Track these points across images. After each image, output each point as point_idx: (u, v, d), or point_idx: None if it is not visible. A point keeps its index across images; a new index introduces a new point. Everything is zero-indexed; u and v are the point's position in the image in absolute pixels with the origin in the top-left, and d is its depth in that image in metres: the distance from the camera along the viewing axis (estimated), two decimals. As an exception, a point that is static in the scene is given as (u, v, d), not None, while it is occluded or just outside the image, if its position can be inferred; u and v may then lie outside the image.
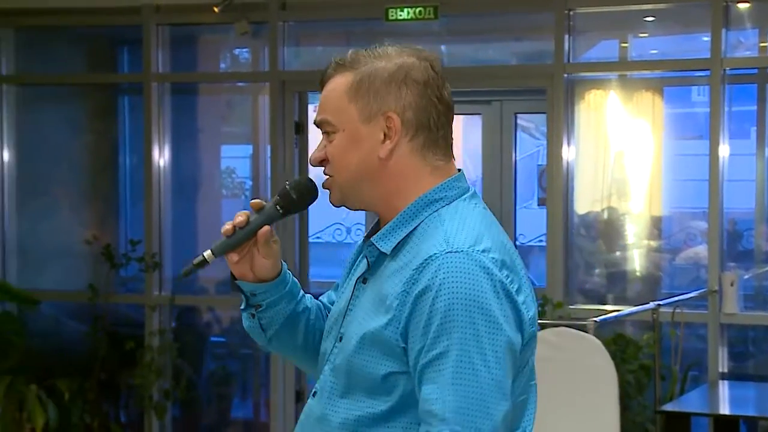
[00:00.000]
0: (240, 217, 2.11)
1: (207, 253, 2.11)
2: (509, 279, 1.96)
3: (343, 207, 2.15)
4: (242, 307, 2.23)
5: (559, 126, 6.15)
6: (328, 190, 2.12)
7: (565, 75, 6.20)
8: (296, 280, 2.26)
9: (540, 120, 7.43)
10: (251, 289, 2.18)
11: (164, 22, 6.92)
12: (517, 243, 6.98)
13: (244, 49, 7.67)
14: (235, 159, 8.31)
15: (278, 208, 2.13)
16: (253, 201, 2.14)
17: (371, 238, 2.07)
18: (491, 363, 1.91)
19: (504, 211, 6.70)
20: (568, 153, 6.20)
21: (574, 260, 6.43)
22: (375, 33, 7.15)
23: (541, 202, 8.42)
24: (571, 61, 6.26)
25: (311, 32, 7.58)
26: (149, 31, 6.82)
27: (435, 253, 1.95)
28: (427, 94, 2.05)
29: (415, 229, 2.04)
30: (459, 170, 2.11)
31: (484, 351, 1.91)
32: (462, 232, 2.00)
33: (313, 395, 2.12)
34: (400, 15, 6.34)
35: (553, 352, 4.93)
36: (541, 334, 5.23)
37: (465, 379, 1.91)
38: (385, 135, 2.04)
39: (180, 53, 7.33)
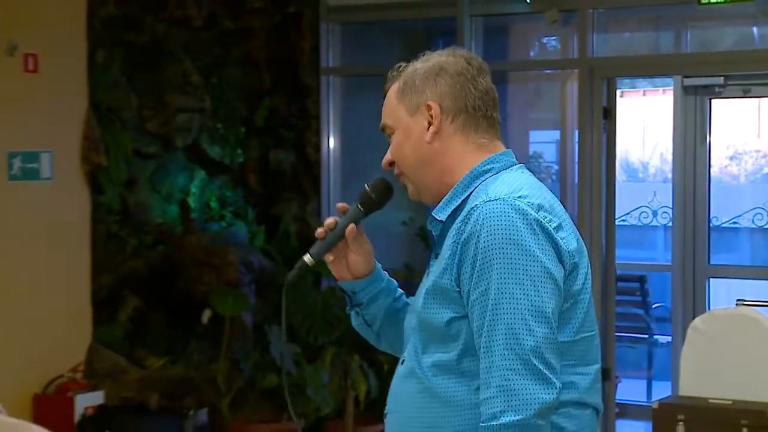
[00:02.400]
0: (329, 220, 2.31)
1: (306, 258, 2.30)
2: (546, 219, 2.09)
3: (420, 201, 2.31)
4: (348, 308, 2.41)
5: None
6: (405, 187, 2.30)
7: None
8: (393, 280, 2.43)
9: None
10: (351, 287, 2.36)
11: (478, 14, 6.85)
12: None
13: (552, 38, 7.62)
14: (542, 144, 8.27)
15: (360, 207, 2.31)
16: (339, 205, 2.37)
17: (432, 213, 2.23)
18: (529, 290, 2.04)
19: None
20: None
21: None
22: (685, 17, 7.03)
23: None
24: None
25: (620, 18, 7.36)
26: (463, 22, 6.76)
27: (476, 205, 2.10)
28: (461, 81, 2.21)
29: (466, 198, 2.17)
30: (507, 149, 2.27)
31: (521, 280, 2.05)
32: (502, 187, 2.14)
33: (402, 363, 2.27)
34: (715, -3, 6.09)
35: None
36: None
37: (505, 307, 2.05)
38: (429, 122, 2.20)
39: (492, 43, 7.30)
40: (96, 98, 6.44)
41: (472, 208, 2.13)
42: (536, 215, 2.09)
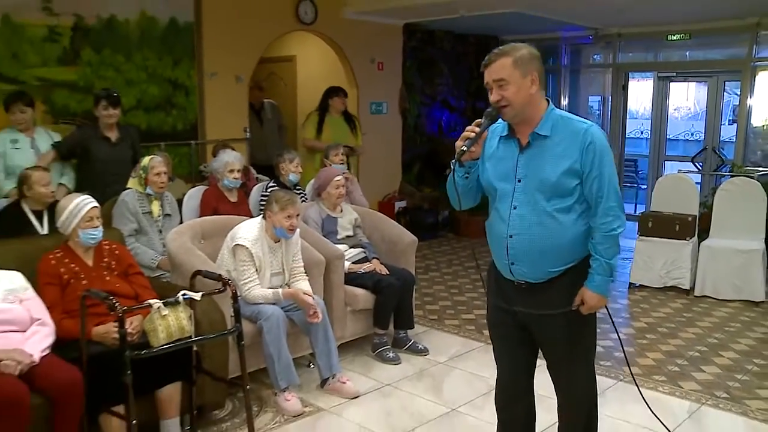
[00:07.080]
0: (476, 128, 2.21)
1: (464, 147, 2.20)
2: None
3: (510, 121, 2.20)
4: (461, 174, 2.26)
5: None
6: (505, 113, 2.18)
7: None
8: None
9: None
10: (470, 164, 2.28)
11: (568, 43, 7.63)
12: None
13: (598, 54, 7.79)
14: (594, 101, 8.35)
15: (488, 120, 2.20)
16: (477, 121, 2.23)
17: (534, 130, 2.17)
18: (615, 173, 2.18)
19: None
20: None
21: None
22: (660, 45, 7.45)
23: None
24: None
25: (631, 45, 7.72)
26: (560, 46, 7.56)
27: (586, 128, 2.13)
28: (540, 64, 2.20)
29: (553, 123, 2.15)
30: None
31: (612, 170, 2.16)
32: (582, 121, 2.15)
33: (514, 208, 2.20)
34: None
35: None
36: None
37: (613, 181, 2.17)
38: (531, 83, 2.17)
39: (573, 58, 7.54)
40: (405, 80, 7.48)
41: (585, 130, 2.13)
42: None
